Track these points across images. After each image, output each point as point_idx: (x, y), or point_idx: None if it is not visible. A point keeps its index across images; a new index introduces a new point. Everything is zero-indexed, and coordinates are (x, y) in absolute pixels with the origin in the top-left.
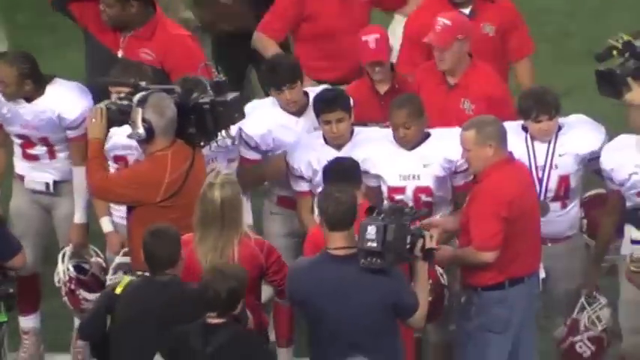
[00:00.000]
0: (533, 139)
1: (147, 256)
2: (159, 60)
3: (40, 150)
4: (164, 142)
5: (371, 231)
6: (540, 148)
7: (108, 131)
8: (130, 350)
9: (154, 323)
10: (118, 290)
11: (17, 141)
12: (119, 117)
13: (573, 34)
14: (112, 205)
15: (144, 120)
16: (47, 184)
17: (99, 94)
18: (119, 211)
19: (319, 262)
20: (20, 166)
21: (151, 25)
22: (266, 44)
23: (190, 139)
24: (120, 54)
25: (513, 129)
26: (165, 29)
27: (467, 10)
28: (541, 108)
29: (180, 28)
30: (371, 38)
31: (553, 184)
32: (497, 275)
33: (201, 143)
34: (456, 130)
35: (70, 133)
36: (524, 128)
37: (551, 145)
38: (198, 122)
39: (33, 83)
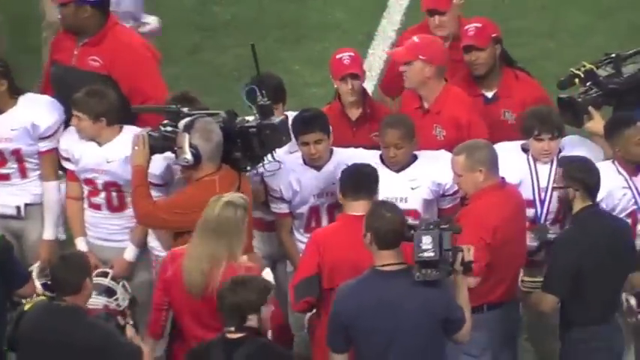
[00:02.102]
0: (535, 160)
1: (51, 279)
2: (106, 67)
3: (11, 168)
4: (211, 168)
5: (426, 240)
6: (543, 169)
7: (150, 158)
8: None
9: (45, 346)
10: (27, 307)
11: None
12: (162, 143)
13: (552, 56)
14: (87, 225)
15: (191, 145)
16: (18, 208)
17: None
18: (94, 232)
19: (367, 280)
20: None
21: (102, 33)
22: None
23: (236, 163)
24: (73, 63)
25: (514, 150)
26: (115, 36)
27: (490, 93)
28: (543, 126)
29: (134, 35)
30: (345, 55)
31: (554, 205)
32: (477, 300)
33: (248, 167)
34: (443, 153)
35: (43, 146)
36: (524, 150)
37: (553, 166)
38: (245, 146)
39: (8, 86)
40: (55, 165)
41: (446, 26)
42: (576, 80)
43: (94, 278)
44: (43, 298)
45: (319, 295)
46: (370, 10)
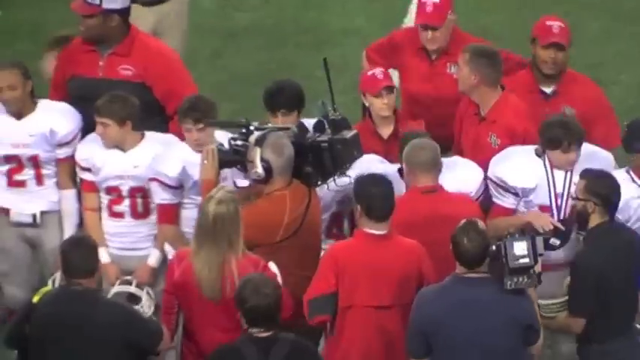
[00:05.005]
0: (552, 166)
1: (63, 264)
2: (139, 74)
3: (27, 174)
4: (282, 182)
5: (521, 247)
6: (559, 174)
7: (219, 172)
8: (46, 357)
9: (68, 332)
10: (35, 299)
11: (3, 168)
12: (232, 157)
13: (572, 62)
14: (108, 236)
15: (262, 159)
16: (34, 216)
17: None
18: (117, 242)
19: (451, 286)
20: (5, 198)
21: (128, 41)
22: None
23: (307, 178)
24: (100, 74)
25: (529, 154)
26: (144, 43)
27: (549, 89)
28: (572, 137)
29: (159, 40)
30: (378, 71)
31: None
32: None
33: (319, 182)
34: (459, 159)
35: (60, 153)
36: (538, 155)
37: (569, 172)
38: (316, 161)
39: (32, 87)
40: (72, 173)
41: (437, 41)
42: None
43: (117, 287)
44: (47, 288)
45: (334, 313)
46: (390, 16)
